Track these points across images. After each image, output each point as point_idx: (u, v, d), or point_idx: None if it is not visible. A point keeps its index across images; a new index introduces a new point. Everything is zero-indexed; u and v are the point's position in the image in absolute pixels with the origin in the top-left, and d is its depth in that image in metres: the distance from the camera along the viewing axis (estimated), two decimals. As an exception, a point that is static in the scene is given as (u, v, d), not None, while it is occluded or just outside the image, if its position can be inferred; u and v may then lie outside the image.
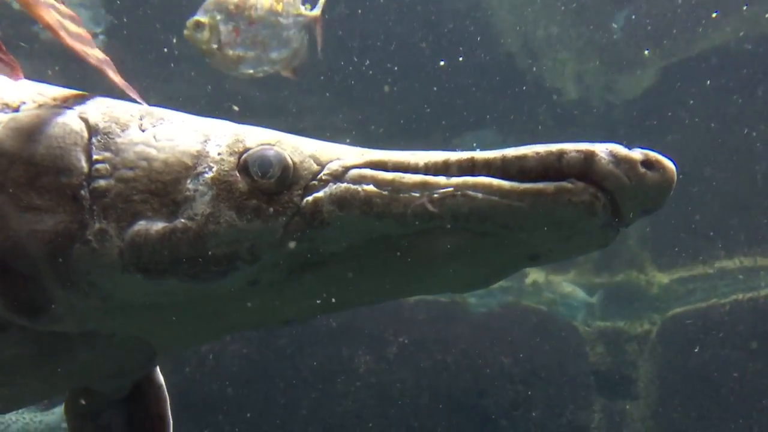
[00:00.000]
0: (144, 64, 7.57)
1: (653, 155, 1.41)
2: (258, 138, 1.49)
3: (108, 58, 1.63)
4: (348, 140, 8.25)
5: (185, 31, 3.93)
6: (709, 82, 8.30)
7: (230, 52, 4.00)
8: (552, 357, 8.67)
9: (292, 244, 1.42)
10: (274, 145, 1.47)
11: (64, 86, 1.66)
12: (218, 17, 3.94)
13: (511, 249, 1.43)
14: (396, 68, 8.01)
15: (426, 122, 8.59)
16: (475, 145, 8.69)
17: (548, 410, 8.44)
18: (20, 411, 5.36)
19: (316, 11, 4.28)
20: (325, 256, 1.44)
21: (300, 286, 1.48)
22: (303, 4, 4.26)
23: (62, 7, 1.56)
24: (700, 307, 8.95)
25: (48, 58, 6.74)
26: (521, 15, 8.01)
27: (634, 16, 7.84)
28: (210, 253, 1.40)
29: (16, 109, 1.49)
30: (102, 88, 1.71)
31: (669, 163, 1.41)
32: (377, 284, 1.51)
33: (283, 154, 1.45)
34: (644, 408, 8.91)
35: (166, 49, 7.37)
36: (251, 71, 4.15)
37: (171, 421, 1.97)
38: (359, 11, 7.48)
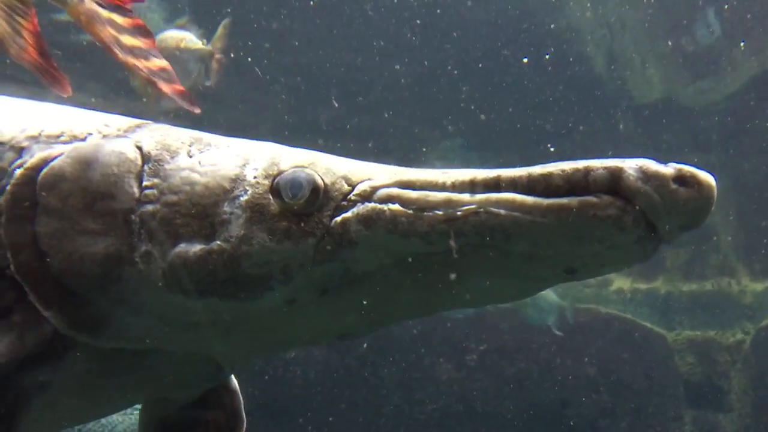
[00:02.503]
0: (238, 91, 7.81)
1: (688, 170, 1.34)
2: (293, 160, 1.53)
3: (165, 67, 1.69)
4: (425, 148, 8.23)
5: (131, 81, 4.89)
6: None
7: (153, 90, 4.74)
8: (639, 367, 8.45)
9: (323, 264, 1.44)
10: (306, 167, 1.50)
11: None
12: None
13: (543, 264, 1.41)
14: (479, 77, 8.00)
15: (509, 129, 8.53)
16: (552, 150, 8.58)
17: (636, 422, 8.23)
18: (126, 411, 5.57)
19: (209, 46, 5.15)
20: (357, 274, 1.46)
21: (338, 304, 1.50)
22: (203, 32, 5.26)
23: (119, 19, 1.62)
24: (797, 317, 8.58)
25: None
26: (602, 18, 7.88)
27: (726, 6, 7.59)
28: (245, 273, 1.45)
29: (83, 140, 1.59)
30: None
31: (706, 178, 1.35)
32: (413, 300, 1.52)
33: (314, 176, 1.48)
34: (738, 421, 8.58)
35: (268, 75, 7.58)
36: (167, 104, 4.94)
37: (245, 426, 2.01)
38: (437, 11, 7.51)
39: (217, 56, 5.22)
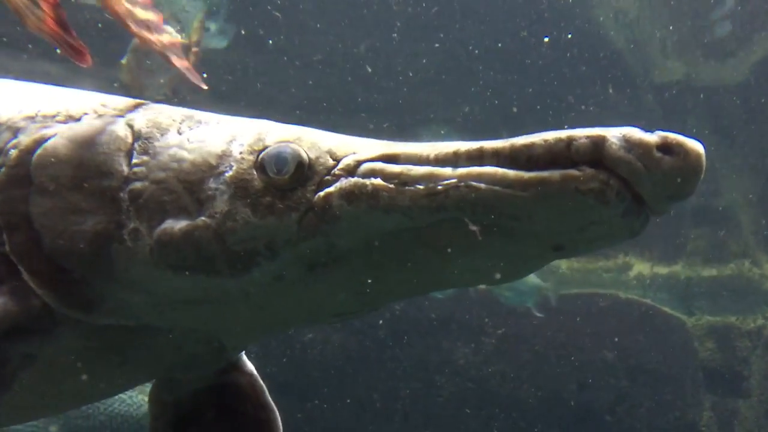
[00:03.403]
0: (266, 70, 7.83)
1: (673, 137, 1.29)
2: (278, 136, 1.51)
3: (176, 42, 1.70)
4: (443, 131, 8.25)
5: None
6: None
7: (137, 82, 5.21)
8: (657, 352, 8.41)
9: (308, 240, 1.43)
10: (292, 141, 1.48)
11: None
12: (129, 56, 5.27)
13: (528, 240, 1.38)
14: (497, 57, 7.94)
15: (528, 109, 8.47)
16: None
17: (655, 407, 8.20)
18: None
19: (185, 39, 5.51)
20: (343, 250, 1.44)
21: (327, 281, 1.49)
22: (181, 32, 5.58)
23: None
24: (819, 302, 8.49)
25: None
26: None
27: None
28: (230, 249, 1.44)
29: (78, 120, 1.59)
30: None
31: (693, 146, 1.30)
32: (403, 278, 1.50)
33: (299, 151, 1.46)
34: (757, 406, 8.52)
35: (285, 56, 7.61)
36: (155, 95, 5.27)
37: (275, 409, 1.99)
38: None
39: (194, 50, 5.46)
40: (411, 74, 8.10)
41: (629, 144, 1.29)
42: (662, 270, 9.29)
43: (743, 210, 9.08)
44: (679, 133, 1.31)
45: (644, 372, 8.27)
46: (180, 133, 1.55)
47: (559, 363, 8.14)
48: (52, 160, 1.51)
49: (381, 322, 7.82)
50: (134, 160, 1.52)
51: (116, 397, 5.22)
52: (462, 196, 1.34)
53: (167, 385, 1.95)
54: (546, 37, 7.67)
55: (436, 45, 7.85)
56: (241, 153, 1.49)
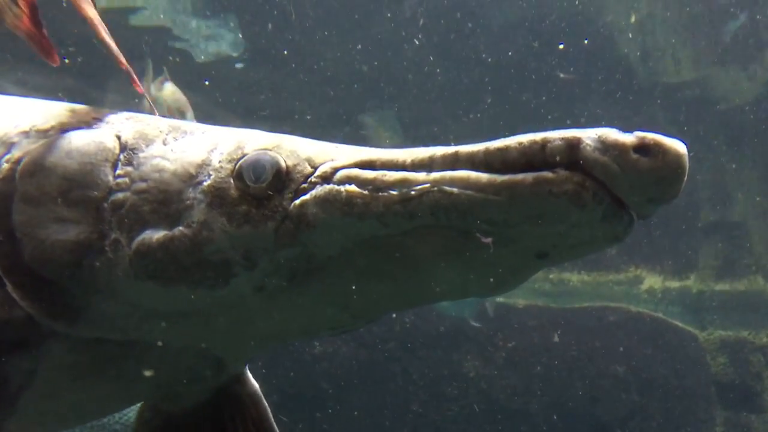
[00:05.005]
0: (279, 85, 7.89)
1: (651, 138, 1.24)
2: (258, 143, 1.49)
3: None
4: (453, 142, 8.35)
5: None
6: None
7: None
8: (669, 366, 8.36)
9: (285, 248, 1.41)
10: (270, 149, 1.46)
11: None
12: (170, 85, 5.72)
13: (509, 247, 1.33)
14: (509, 69, 7.95)
15: (540, 119, 8.48)
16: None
17: (666, 421, 8.14)
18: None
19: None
20: (322, 259, 1.42)
21: (310, 291, 1.46)
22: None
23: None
24: (833, 317, 8.42)
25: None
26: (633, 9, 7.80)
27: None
28: (207, 259, 1.43)
29: (65, 128, 1.59)
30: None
31: (673, 146, 1.24)
32: (386, 288, 1.46)
33: (277, 158, 1.44)
34: (771, 422, 8.45)
35: (293, 63, 7.67)
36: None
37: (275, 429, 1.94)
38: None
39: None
40: (423, 86, 8.12)
41: (604, 145, 1.25)
42: (674, 284, 9.25)
43: (755, 224, 9.03)
44: (661, 134, 1.27)
45: (656, 386, 8.21)
46: (165, 144, 1.55)
47: (570, 377, 8.10)
48: (38, 167, 1.50)
49: (391, 334, 7.81)
50: (118, 171, 1.51)
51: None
52: (435, 201, 1.31)
53: (166, 399, 1.90)
54: (561, 43, 7.67)
55: (448, 57, 7.87)
56: (220, 162, 1.48)
